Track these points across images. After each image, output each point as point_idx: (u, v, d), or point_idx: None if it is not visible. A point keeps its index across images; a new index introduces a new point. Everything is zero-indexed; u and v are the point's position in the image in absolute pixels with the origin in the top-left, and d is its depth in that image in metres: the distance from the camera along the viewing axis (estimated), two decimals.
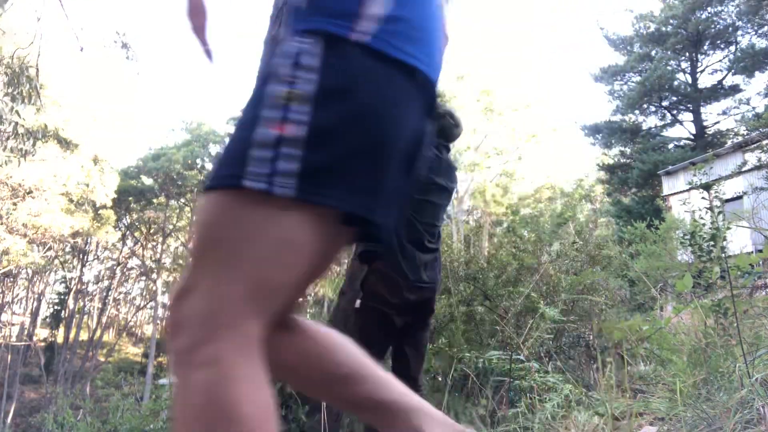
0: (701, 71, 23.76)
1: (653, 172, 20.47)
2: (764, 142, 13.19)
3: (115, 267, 36.06)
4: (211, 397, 0.62)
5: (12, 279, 29.37)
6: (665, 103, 23.67)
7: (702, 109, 23.51)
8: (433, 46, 0.79)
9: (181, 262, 31.38)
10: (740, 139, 18.09)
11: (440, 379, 3.02)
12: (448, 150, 2.44)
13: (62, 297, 32.93)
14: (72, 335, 31.91)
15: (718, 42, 22.68)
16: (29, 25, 17.60)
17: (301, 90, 0.67)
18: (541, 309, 3.47)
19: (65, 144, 20.02)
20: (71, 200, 24.95)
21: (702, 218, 3.33)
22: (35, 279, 32.10)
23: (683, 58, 23.69)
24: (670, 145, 23.39)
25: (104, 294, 36.44)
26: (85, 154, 23.62)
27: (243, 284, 0.66)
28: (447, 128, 2.40)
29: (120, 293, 39.51)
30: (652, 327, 3.07)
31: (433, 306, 2.40)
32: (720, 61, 23.34)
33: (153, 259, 32.53)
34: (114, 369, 30.74)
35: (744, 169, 14.98)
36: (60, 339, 31.29)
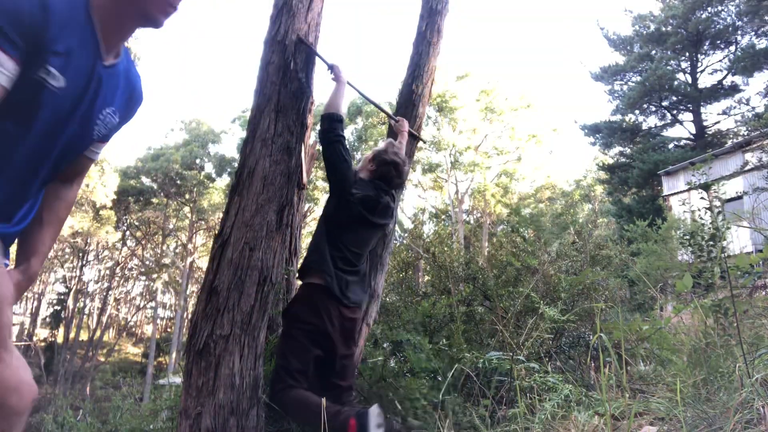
0: (701, 71, 23.76)
1: (653, 172, 20.47)
2: (765, 142, 13.19)
3: (115, 267, 36.05)
4: None
5: None
6: (665, 103, 23.67)
7: (702, 109, 23.51)
8: None
9: (180, 262, 31.38)
10: (740, 139, 18.09)
11: (440, 379, 3.02)
12: (387, 193, 2.60)
13: (62, 297, 32.94)
14: (72, 335, 31.91)
15: (718, 42, 22.68)
16: None
17: None
18: (541, 309, 3.46)
19: None
20: None
21: (702, 218, 3.33)
22: None
23: (683, 58, 23.68)
24: (670, 145, 23.38)
25: (104, 294, 36.44)
26: None
27: None
28: (388, 176, 2.59)
29: (120, 293, 39.52)
30: (652, 327, 3.07)
31: (355, 333, 2.51)
32: (720, 61, 23.35)
33: (153, 259, 32.53)
34: (114, 369, 30.74)
35: (744, 169, 14.99)
36: (60, 339, 31.28)
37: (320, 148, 2.62)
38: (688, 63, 23.77)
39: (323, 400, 2.01)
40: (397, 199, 2.85)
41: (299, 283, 2.54)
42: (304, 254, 2.50)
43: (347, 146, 2.54)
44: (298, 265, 2.69)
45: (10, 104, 0.96)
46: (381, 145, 2.72)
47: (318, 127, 2.71)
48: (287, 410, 2.24)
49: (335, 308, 2.31)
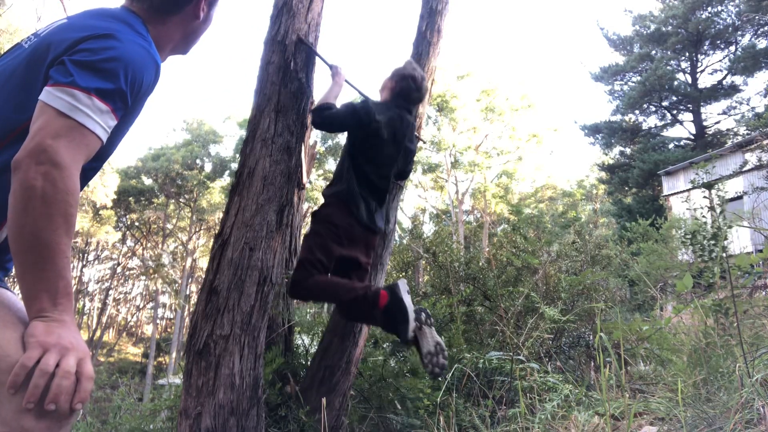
0: (701, 71, 23.77)
1: (653, 172, 20.48)
2: (764, 142, 13.20)
3: (115, 267, 36.07)
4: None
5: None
6: (665, 103, 23.67)
7: (702, 109, 23.52)
8: None
9: (180, 261, 31.37)
10: (740, 139, 18.09)
11: (440, 379, 3.02)
12: (409, 111, 2.61)
13: None
14: None
15: (718, 42, 22.69)
16: (29, 25, 17.62)
17: None
18: (541, 309, 3.46)
19: None
20: None
21: (704, 216, 3.33)
22: None
23: (683, 58, 23.69)
24: (670, 145, 23.40)
25: (104, 294, 36.44)
26: None
27: None
28: (407, 90, 2.58)
29: (120, 293, 39.52)
30: (652, 327, 3.07)
31: (375, 246, 2.63)
32: (720, 61, 23.37)
33: (153, 259, 32.53)
34: (113, 369, 30.75)
35: (744, 169, 14.99)
36: None
37: (322, 149, 2.62)
38: (688, 63, 23.77)
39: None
40: (415, 116, 2.83)
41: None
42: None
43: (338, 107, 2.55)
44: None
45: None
46: (400, 64, 2.73)
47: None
48: (312, 294, 2.37)
49: (360, 224, 2.39)
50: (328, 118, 2.48)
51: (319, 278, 2.27)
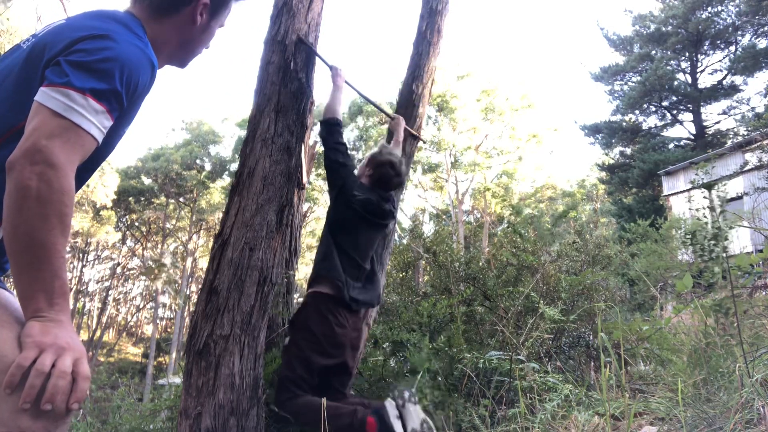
0: (701, 71, 23.76)
1: (653, 172, 20.47)
2: (765, 142, 13.20)
3: (115, 267, 36.06)
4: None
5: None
6: (665, 103, 23.67)
7: (702, 109, 23.52)
8: None
9: (180, 261, 31.36)
10: (740, 139, 18.09)
11: (440, 379, 3.02)
12: (387, 200, 2.58)
13: None
14: None
15: (718, 42, 22.68)
16: (29, 25, 17.62)
17: None
18: (541, 309, 3.46)
19: None
20: None
21: (706, 216, 3.33)
22: None
23: (683, 58, 23.69)
24: (670, 145, 23.40)
25: (104, 294, 36.44)
26: None
27: None
28: (386, 177, 2.56)
29: (120, 293, 39.52)
30: (652, 327, 3.07)
31: (360, 344, 2.53)
32: (720, 61, 23.37)
33: (153, 259, 32.52)
34: (113, 369, 30.74)
35: (744, 169, 14.99)
36: None
37: (321, 149, 2.63)
38: (688, 63, 23.77)
39: (336, 403, 2.05)
40: (397, 200, 2.83)
41: (300, 283, 2.54)
42: (307, 257, 2.50)
43: (347, 150, 2.55)
44: (298, 265, 2.70)
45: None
46: (374, 148, 2.72)
47: (318, 127, 2.71)
48: (297, 418, 2.24)
49: (343, 316, 2.29)
50: (336, 143, 2.50)
51: (303, 400, 2.16)
